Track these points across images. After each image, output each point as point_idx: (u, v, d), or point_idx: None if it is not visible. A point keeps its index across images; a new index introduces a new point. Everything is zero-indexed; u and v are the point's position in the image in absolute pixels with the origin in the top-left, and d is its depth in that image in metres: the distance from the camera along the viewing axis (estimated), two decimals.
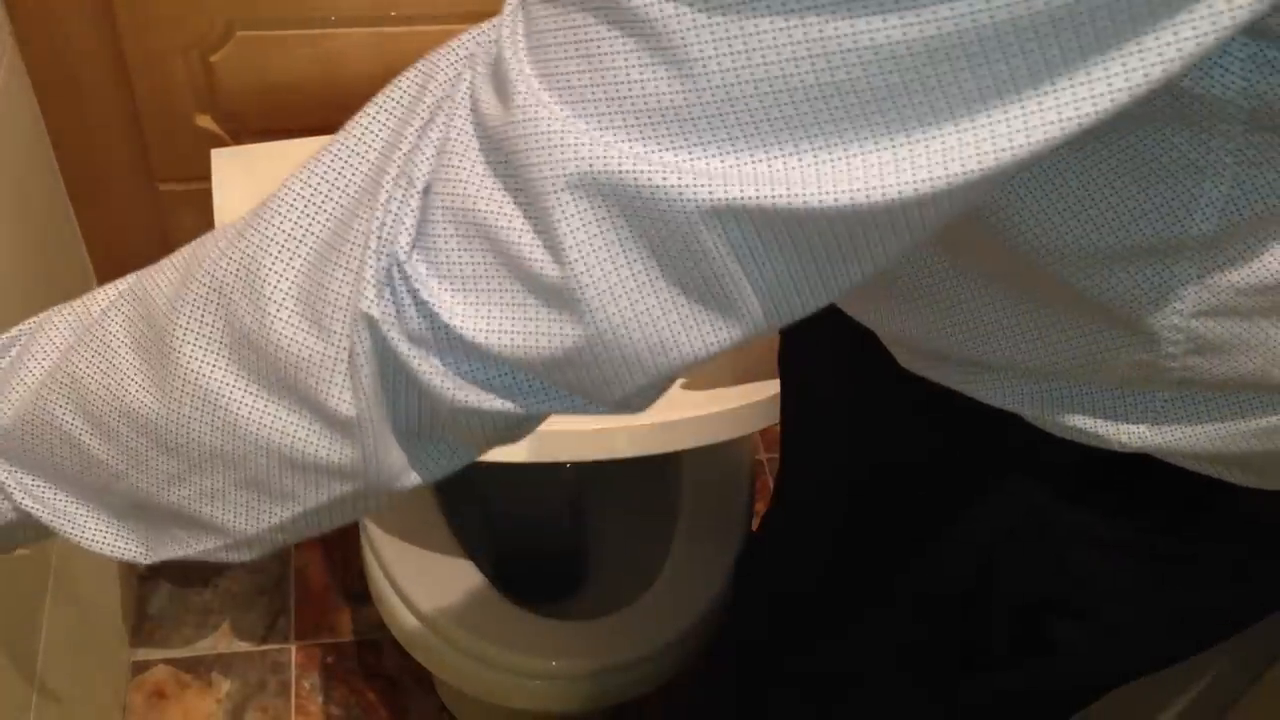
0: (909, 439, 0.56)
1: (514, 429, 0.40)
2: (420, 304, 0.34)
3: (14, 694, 0.95)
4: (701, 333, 0.34)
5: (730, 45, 0.29)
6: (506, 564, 1.13)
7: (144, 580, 1.39)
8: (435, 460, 0.40)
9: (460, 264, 0.34)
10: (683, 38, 0.29)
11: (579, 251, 0.32)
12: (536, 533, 1.27)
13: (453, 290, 0.34)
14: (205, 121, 1.11)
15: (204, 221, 1.05)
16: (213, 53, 1.06)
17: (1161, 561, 0.52)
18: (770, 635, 0.71)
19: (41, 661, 1.00)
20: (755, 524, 1.09)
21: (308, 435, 0.38)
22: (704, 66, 0.30)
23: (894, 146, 0.30)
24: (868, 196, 0.30)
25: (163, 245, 1.22)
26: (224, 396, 0.39)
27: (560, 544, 1.28)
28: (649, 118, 0.31)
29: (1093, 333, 0.44)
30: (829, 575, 0.64)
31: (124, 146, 1.13)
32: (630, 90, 0.31)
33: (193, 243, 0.43)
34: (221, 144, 1.11)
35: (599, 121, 0.31)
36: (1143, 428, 0.46)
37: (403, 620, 1.06)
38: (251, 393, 0.38)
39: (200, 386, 0.39)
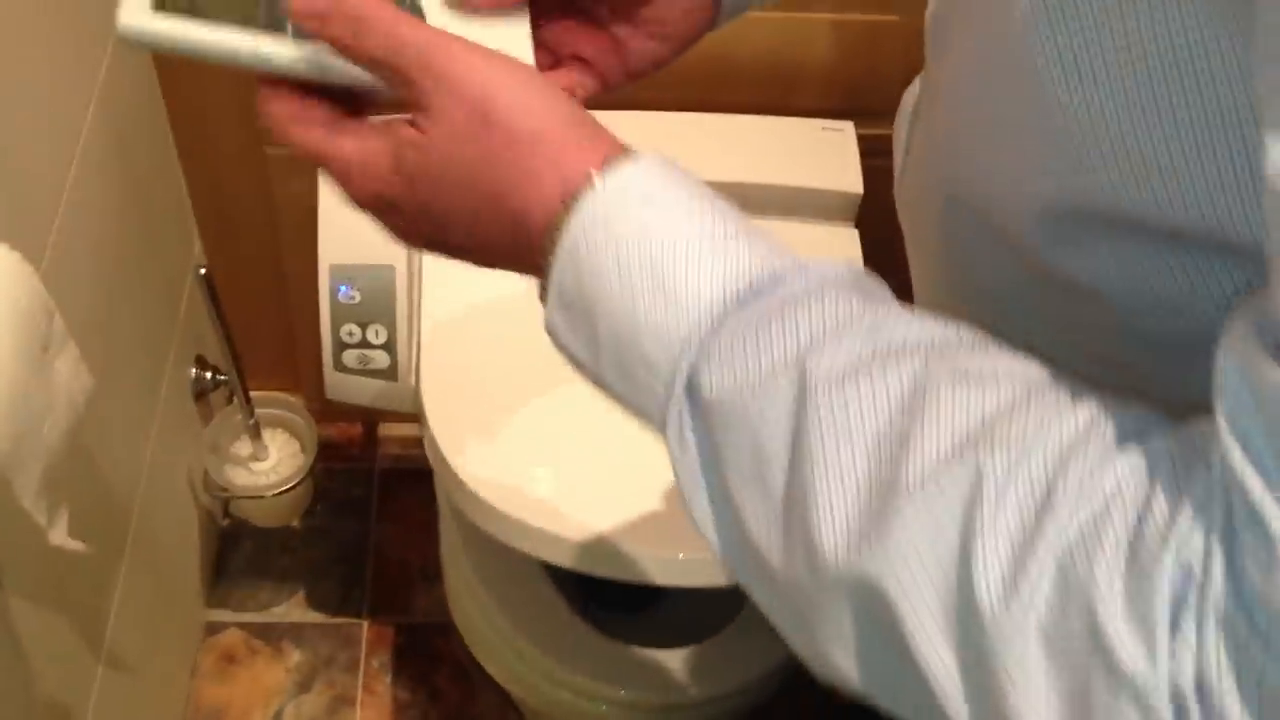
0: None
1: None
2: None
3: (83, 649, 0.94)
4: None
5: None
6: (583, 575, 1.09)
7: (224, 538, 1.38)
8: None
9: None
10: None
11: None
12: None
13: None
14: None
15: (309, 188, 1.01)
16: None
17: None
18: None
19: (114, 617, 0.99)
20: None
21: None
22: None
23: None
24: None
25: (267, 209, 1.20)
26: (916, 625, 0.32)
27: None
28: None
29: None
30: None
31: (233, 103, 1.10)
32: None
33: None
34: None
35: None
36: None
37: (474, 623, 1.03)
38: (940, 651, 0.32)
39: (890, 591, 0.32)
